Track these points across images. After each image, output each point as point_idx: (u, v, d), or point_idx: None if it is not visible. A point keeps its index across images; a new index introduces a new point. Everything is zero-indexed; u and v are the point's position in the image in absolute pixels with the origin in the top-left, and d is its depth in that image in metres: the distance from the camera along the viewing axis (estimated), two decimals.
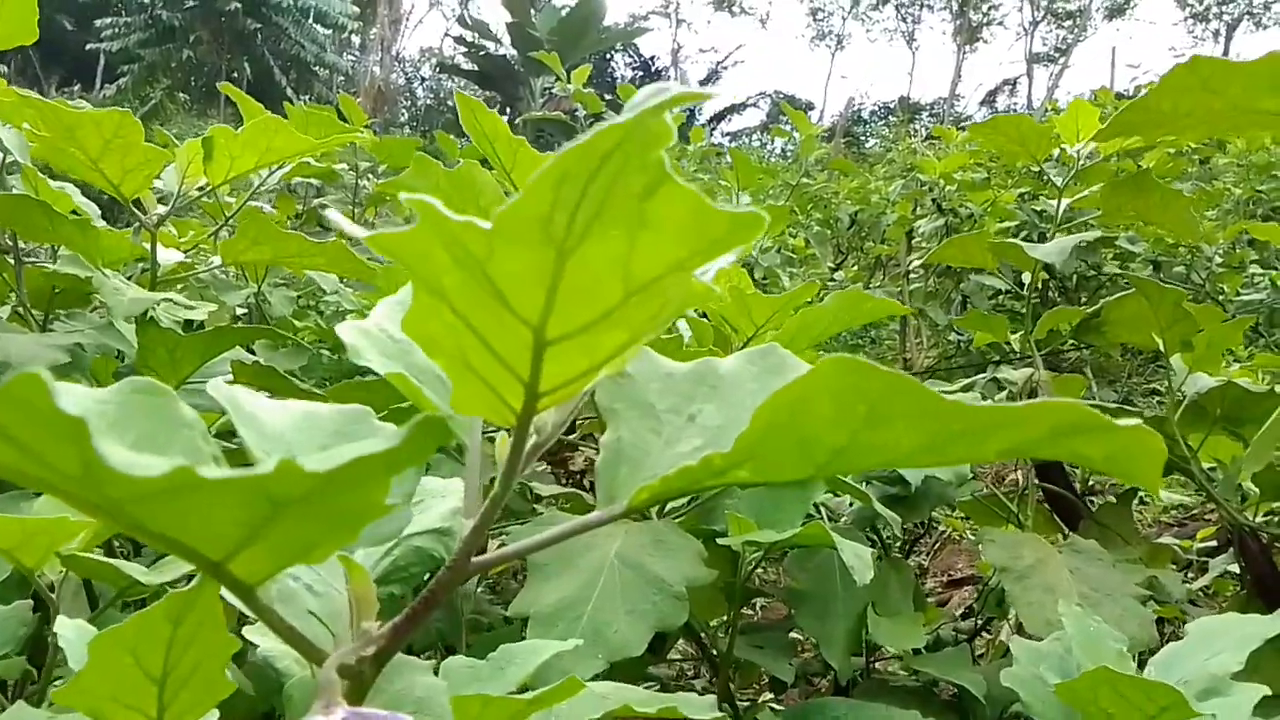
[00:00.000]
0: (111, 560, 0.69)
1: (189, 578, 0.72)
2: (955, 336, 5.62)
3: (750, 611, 1.85)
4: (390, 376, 0.35)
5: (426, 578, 0.42)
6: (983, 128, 1.49)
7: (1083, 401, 0.33)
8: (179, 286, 1.18)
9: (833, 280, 6.12)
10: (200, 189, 1.10)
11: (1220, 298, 5.23)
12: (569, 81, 4.01)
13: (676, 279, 0.27)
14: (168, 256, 1.15)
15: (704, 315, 1.20)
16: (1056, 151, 1.64)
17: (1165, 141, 6.97)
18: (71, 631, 0.50)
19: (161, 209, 1.09)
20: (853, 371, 0.29)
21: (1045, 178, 1.56)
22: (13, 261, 1.30)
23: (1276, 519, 1.65)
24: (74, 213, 1.13)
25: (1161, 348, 1.45)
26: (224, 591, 0.42)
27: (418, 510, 0.50)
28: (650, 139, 0.23)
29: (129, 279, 1.40)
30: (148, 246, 1.11)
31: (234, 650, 0.48)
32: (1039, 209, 4.83)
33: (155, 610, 0.43)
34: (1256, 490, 1.43)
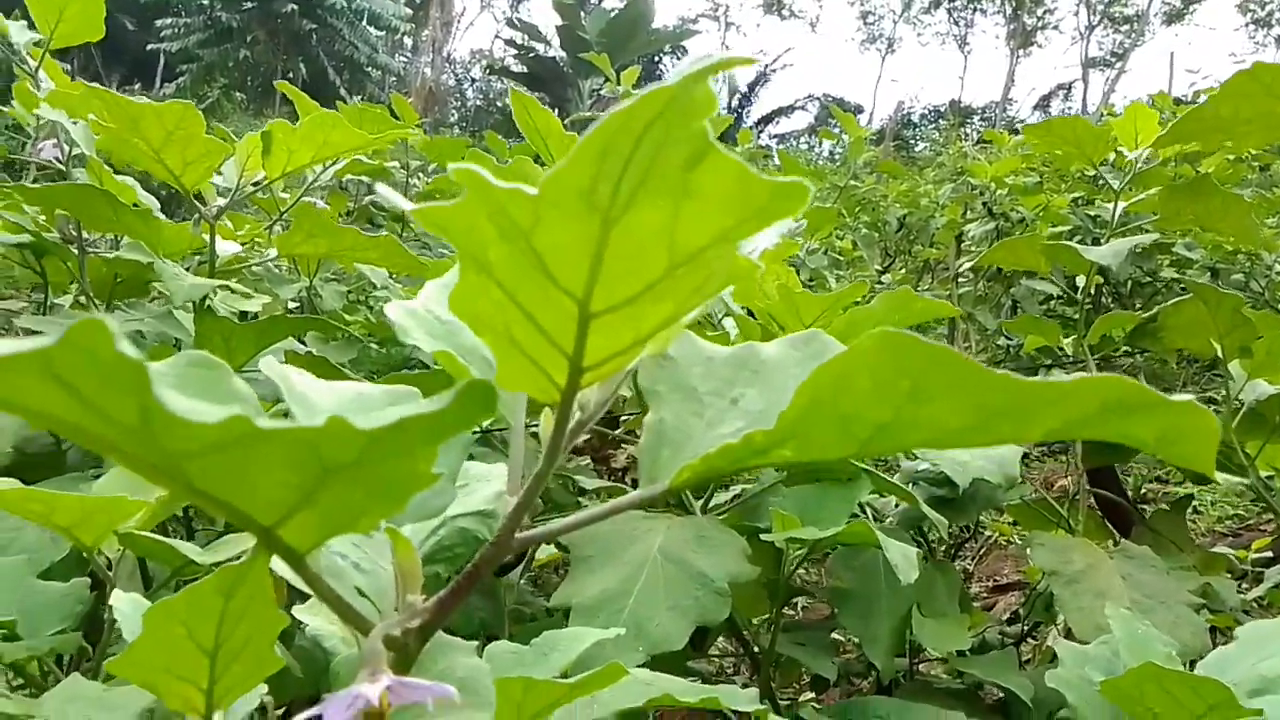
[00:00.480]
0: (167, 540, 0.70)
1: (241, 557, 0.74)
2: (1005, 341, 5.53)
3: (791, 611, 1.84)
4: (437, 355, 0.35)
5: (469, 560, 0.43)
6: (1037, 129, 1.47)
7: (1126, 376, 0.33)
8: (235, 279, 1.21)
9: (880, 283, 6.06)
10: (257, 183, 1.12)
11: (1279, 305, 5.09)
12: (618, 83, 4.02)
13: (721, 250, 0.27)
14: (225, 248, 1.18)
15: (751, 314, 1.20)
16: (1112, 155, 1.61)
17: (1225, 148, 6.79)
18: (126, 605, 0.51)
19: (221, 201, 1.12)
20: (895, 346, 0.29)
21: (1100, 182, 1.53)
22: (76, 251, 1.34)
23: None
24: (136, 204, 1.16)
25: (1220, 354, 1.42)
26: (274, 567, 0.44)
27: (462, 493, 0.51)
28: (694, 107, 0.23)
29: (187, 269, 1.44)
30: (206, 238, 1.14)
31: (283, 626, 0.49)
32: (1093, 214, 4.73)
33: (207, 583, 0.44)
34: None
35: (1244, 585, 2.09)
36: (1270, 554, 2.15)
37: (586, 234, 0.25)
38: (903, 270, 6.38)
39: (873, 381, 0.30)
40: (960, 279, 5.48)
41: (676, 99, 0.22)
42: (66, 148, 1.34)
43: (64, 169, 1.34)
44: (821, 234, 3.64)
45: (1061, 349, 1.69)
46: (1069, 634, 1.30)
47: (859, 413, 0.31)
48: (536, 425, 0.40)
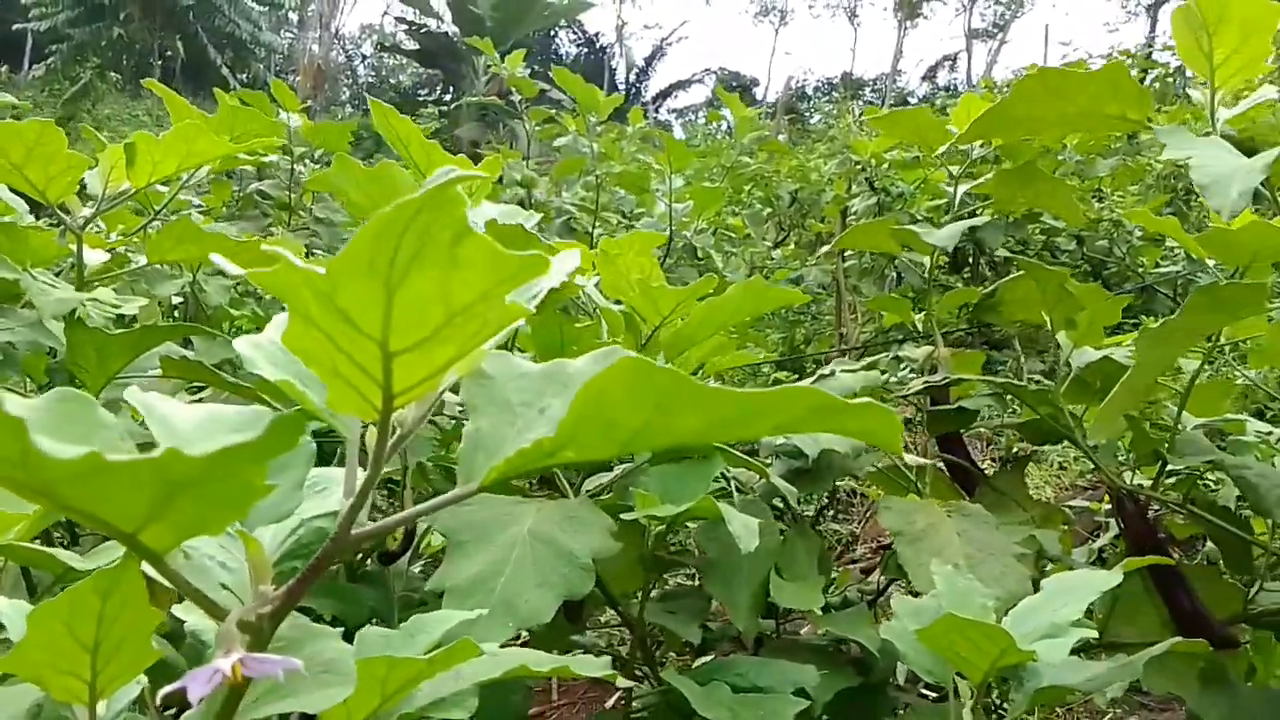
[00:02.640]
0: (48, 549, 0.74)
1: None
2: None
3: (680, 582, 1.95)
4: (280, 383, 0.42)
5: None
6: (884, 120, 1.58)
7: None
8: (109, 286, 1.22)
9: (771, 258, 6.23)
10: (123, 192, 1.14)
11: (1140, 269, 5.45)
12: (503, 65, 4.04)
13: (488, 304, 0.34)
14: (94, 257, 1.19)
15: (619, 304, 1.27)
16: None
17: (1028, 141, 7.14)
18: (10, 609, 0.56)
19: (87, 211, 1.13)
20: (639, 370, 0.37)
21: (944, 167, 1.65)
22: None
23: (1162, 485, 1.78)
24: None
25: (1049, 325, 1.56)
26: (147, 570, 0.49)
27: (319, 496, 0.57)
28: (449, 202, 0.30)
29: (57, 275, 1.44)
30: (73, 248, 1.15)
31: (158, 622, 0.54)
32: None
33: (85, 585, 0.49)
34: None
35: (1097, 535, 2.29)
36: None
37: (375, 296, 0.32)
38: (794, 245, 6.57)
39: (625, 396, 0.38)
40: (846, 252, 5.68)
41: (431, 199, 0.29)
42: None
43: None
44: (709, 214, 3.75)
45: (913, 325, 1.82)
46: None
47: (617, 421, 0.38)
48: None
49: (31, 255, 1.21)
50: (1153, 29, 30.66)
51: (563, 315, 1.30)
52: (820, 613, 1.36)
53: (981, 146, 1.58)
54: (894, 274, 5.54)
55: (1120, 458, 1.78)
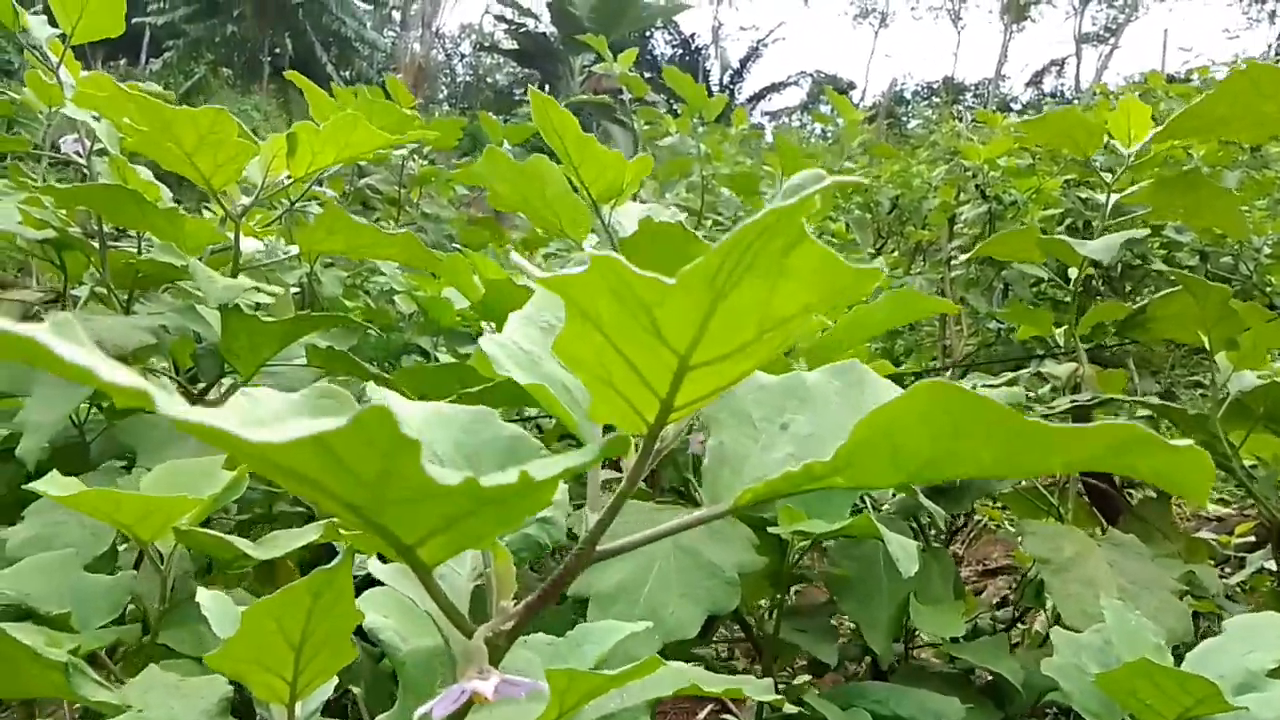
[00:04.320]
0: (224, 535, 0.74)
1: (296, 552, 0.78)
2: (996, 325, 5.60)
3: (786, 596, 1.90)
4: (531, 388, 0.40)
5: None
6: (1034, 124, 1.51)
7: (1136, 422, 0.37)
8: (258, 277, 1.24)
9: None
10: (282, 181, 1.15)
11: (1269, 289, 5.17)
12: (614, 63, 4.04)
13: (805, 318, 0.31)
14: (248, 245, 1.21)
15: None
16: (1104, 148, 1.65)
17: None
18: (212, 602, 0.56)
19: (245, 200, 1.15)
20: (941, 394, 0.34)
21: (1094, 171, 1.57)
22: (98, 245, 1.37)
23: None
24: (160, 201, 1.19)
25: (1207, 345, 1.47)
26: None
27: None
28: (796, 210, 0.27)
29: (200, 260, 1.47)
30: (231, 235, 1.17)
31: (358, 621, 0.53)
32: (1084, 196, 4.79)
33: (299, 585, 0.48)
34: None
35: (1227, 570, 2.16)
36: (1253, 538, 2.22)
37: (700, 306, 0.30)
38: (895, 252, 6.44)
39: (921, 424, 0.34)
40: (953, 262, 5.54)
41: (787, 212, 0.27)
42: (89, 143, 1.37)
43: (86, 166, 1.37)
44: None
45: (1053, 338, 1.74)
46: (1058, 620, 1.36)
47: (908, 449, 0.35)
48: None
49: (187, 240, 1.23)
50: None
51: None
52: (949, 640, 1.31)
53: (1139, 156, 1.50)
54: (1002, 285, 5.38)
55: None
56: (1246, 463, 1.53)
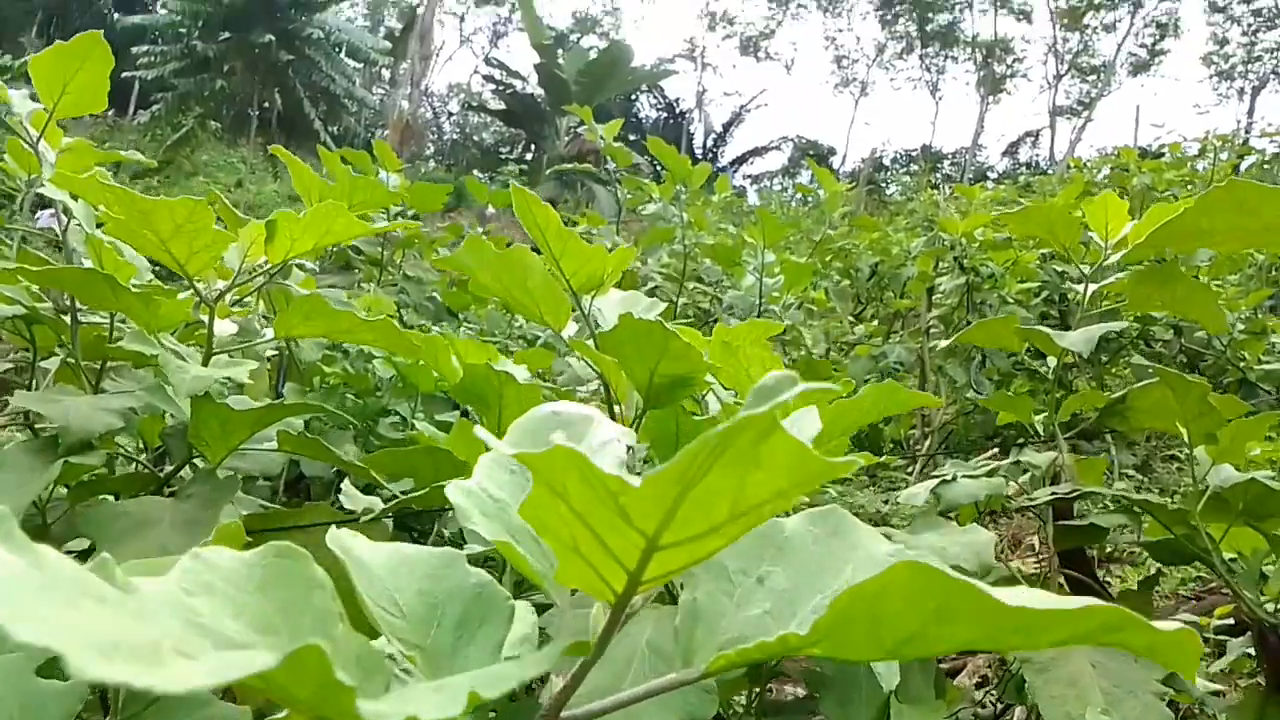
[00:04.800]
0: None
1: None
2: (974, 393, 5.62)
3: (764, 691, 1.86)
4: (499, 545, 0.38)
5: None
6: (1015, 216, 1.53)
7: (1134, 612, 0.36)
8: (233, 361, 1.22)
9: (852, 334, 6.14)
10: (259, 267, 1.15)
11: (1242, 364, 5.22)
12: (600, 134, 4.09)
13: (778, 502, 0.30)
14: (223, 328, 1.20)
15: (736, 397, 1.23)
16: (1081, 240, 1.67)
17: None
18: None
19: (221, 285, 1.14)
20: (925, 577, 0.33)
21: (1072, 262, 1.59)
22: (69, 321, 1.35)
23: None
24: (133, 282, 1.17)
25: (1186, 439, 1.47)
26: None
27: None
28: (769, 416, 0.26)
29: (173, 335, 1.45)
30: (205, 318, 1.16)
31: None
32: (1060, 268, 4.85)
33: None
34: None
35: (1206, 652, 2.14)
36: (1231, 621, 2.21)
37: (666, 495, 0.29)
38: (875, 321, 6.47)
39: (903, 603, 0.33)
40: (931, 331, 5.58)
41: (759, 416, 0.26)
42: (65, 218, 1.36)
43: (61, 240, 1.36)
44: (798, 289, 3.70)
45: (1033, 426, 1.74)
46: (1038, 717, 1.33)
47: (888, 626, 0.34)
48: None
49: (161, 321, 1.21)
50: (1251, 114, 30.09)
51: (679, 408, 1.26)
52: None
53: (1117, 248, 1.51)
54: (979, 355, 5.42)
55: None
56: (1227, 555, 1.53)
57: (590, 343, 1.16)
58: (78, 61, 1.29)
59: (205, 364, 1.13)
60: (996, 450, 3.24)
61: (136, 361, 1.18)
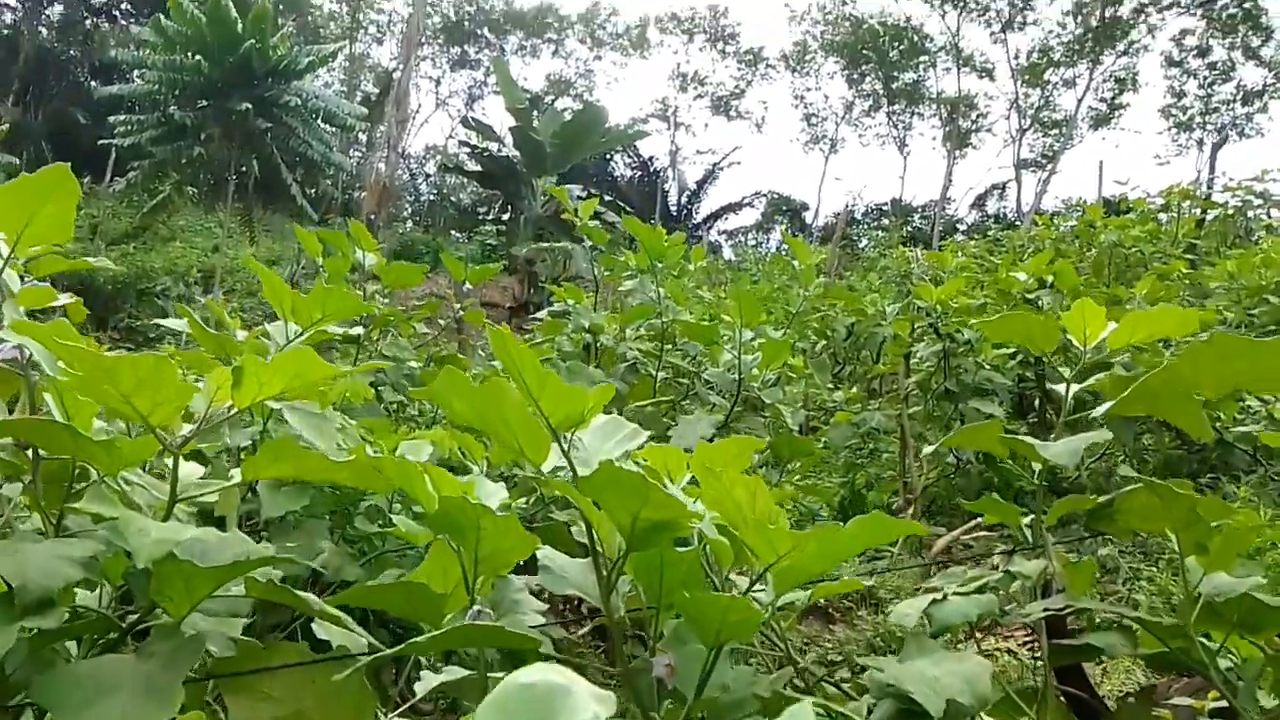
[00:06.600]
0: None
1: None
2: (954, 458, 5.62)
3: None
4: None
5: None
6: (994, 324, 1.52)
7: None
8: (198, 503, 1.18)
9: (832, 401, 6.14)
10: (225, 412, 1.11)
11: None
12: (576, 215, 4.09)
13: None
14: (189, 471, 1.16)
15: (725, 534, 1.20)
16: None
17: (1155, 269, 7.01)
18: None
19: (186, 431, 1.10)
20: None
21: (1051, 364, 1.58)
22: (31, 457, 1.30)
23: None
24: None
25: (1176, 548, 1.45)
26: None
27: None
28: None
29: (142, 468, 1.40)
30: (169, 462, 1.12)
31: None
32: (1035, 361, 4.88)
33: None
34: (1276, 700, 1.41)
35: None
36: (1225, 703, 2.17)
37: None
38: (854, 388, 6.48)
39: None
40: (910, 397, 5.58)
41: None
42: (28, 352, 1.32)
43: (23, 373, 1.32)
44: (775, 365, 3.69)
45: (1021, 532, 1.72)
46: None
47: None
48: None
49: (123, 462, 1.17)
50: (1212, 170, 30.83)
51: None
52: None
53: (1097, 351, 1.50)
54: (960, 420, 5.42)
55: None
56: (1223, 665, 1.50)
57: (571, 481, 1.13)
58: (44, 195, 1.26)
59: (169, 513, 1.09)
60: (980, 520, 3.20)
61: (97, 519, 1.13)
